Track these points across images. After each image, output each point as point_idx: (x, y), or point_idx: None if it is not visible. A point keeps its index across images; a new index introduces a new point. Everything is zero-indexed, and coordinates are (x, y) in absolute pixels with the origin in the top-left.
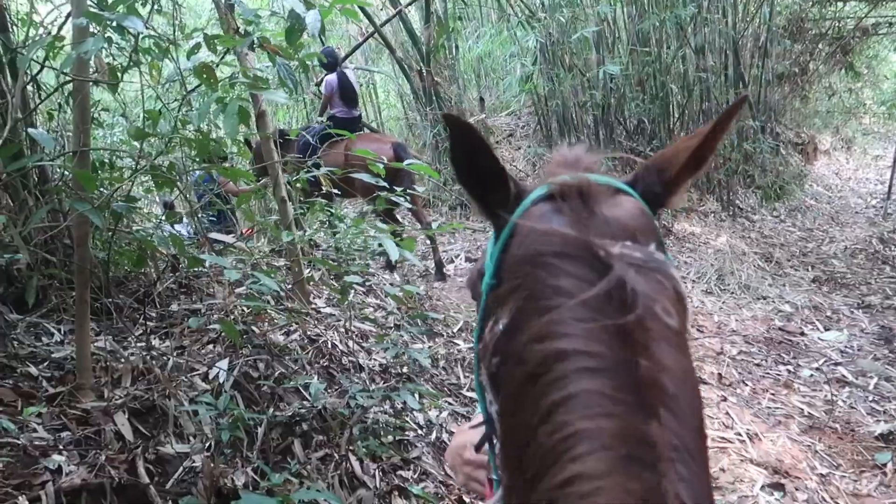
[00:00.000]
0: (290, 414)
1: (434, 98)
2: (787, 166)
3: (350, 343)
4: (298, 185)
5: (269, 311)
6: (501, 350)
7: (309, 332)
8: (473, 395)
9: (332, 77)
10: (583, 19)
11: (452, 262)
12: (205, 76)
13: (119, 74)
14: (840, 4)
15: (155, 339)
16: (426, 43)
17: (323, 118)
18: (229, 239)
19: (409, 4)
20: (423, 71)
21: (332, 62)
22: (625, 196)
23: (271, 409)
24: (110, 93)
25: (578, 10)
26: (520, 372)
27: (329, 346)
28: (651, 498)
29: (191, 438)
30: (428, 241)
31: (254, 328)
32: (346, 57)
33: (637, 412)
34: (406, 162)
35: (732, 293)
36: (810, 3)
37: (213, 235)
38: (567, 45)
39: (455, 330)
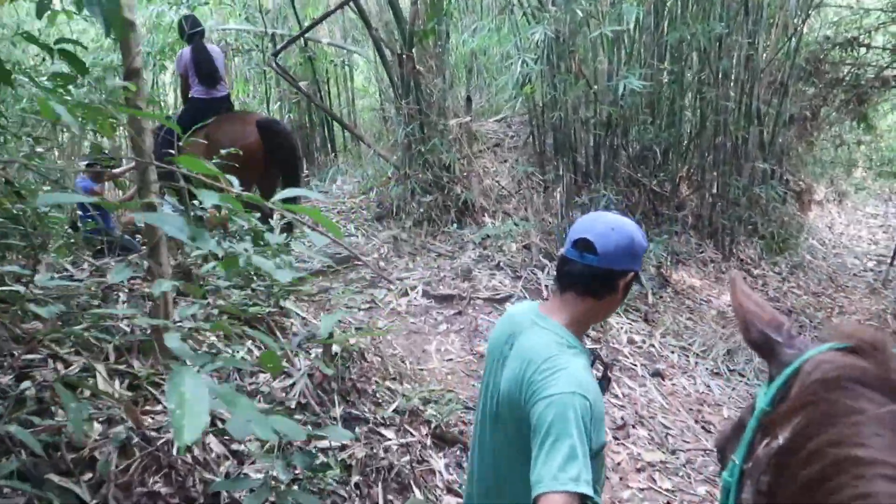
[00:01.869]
0: None
1: (413, 89)
2: (792, 216)
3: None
4: None
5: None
6: (777, 463)
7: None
8: None
9: (185, 51)
10: (599, 19)
11: (406, 294)
12: None
13: None
14: (863, 50)
15: None
16: (410, 23)
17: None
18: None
19: None
20: (404, 56)
21: (190, 33)
22: None
23: None
24: None
25: (595, 8)
26: (806, 474)
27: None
28: None
29: None
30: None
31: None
32: (311, 26)
33: None
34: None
35: (744, 376)
36: (832, 45)
37: None
38: (577, 47)
39: (388, 412)
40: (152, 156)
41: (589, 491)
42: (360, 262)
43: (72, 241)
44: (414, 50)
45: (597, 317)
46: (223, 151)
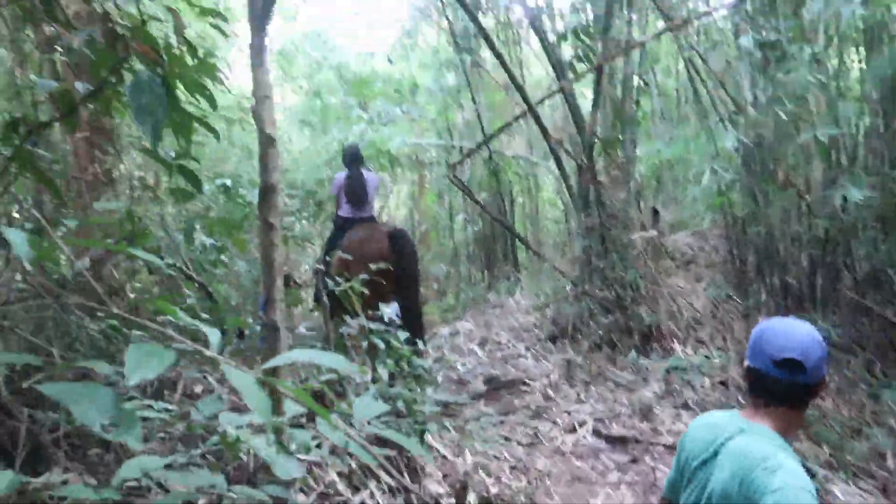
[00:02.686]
0: None
1: (593, 202)
2: None
3: None
4: None
5: None
6: None
7: None
8: None
9: (340, 175)
10: (810, 122)
11: (574, 431)
12: None
13: None
14: None
15: None
16: (588, 132)
17: None
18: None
19: (576, 81)
20: (583, 166)
21: (346, 159)
22: None
23: None
24: None
25: (804, 109)
26: None
27: None
28: None
29: None
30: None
31: None
32: (491, 137)
33: None
34: None
35: None
36: None
37: None
38: (783, 153)
39: None
40: (283, 269)
41: None
42: (525, 388)
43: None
44: (598, 159)
45: (800, 421)
46: (372, 266)
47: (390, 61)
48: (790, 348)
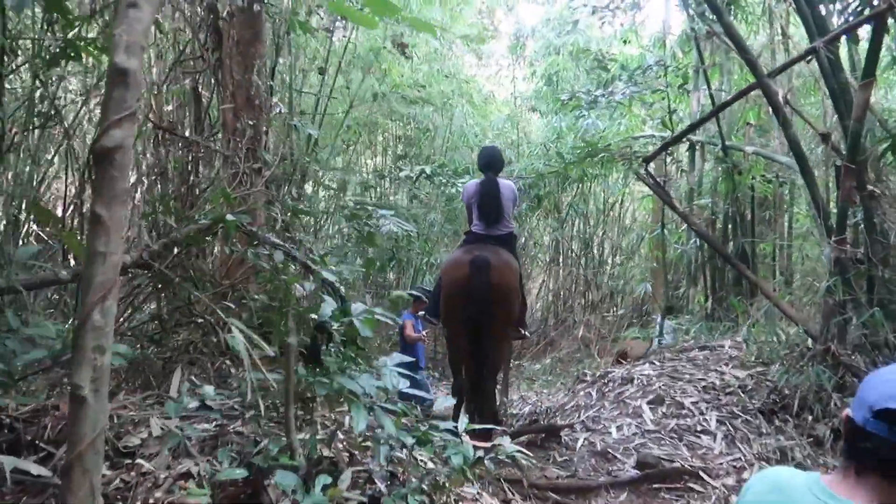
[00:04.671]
0: None
1: (861, 219)
2: None
3: None
4: None
5: None
6: None
7: None
8: None
9: (471, 183)
10: None
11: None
12: None
13: None
14: None
15: None
16: (856, 119)
17: None
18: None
19: (832, 39)
20: (842, 167)
21: (481, 163)
22: None
23: None
24: None
25: None
26: None
27: None
28: None
29: None
30: None
31: None
32: (686, 132)
33: None
34: None
35: None
36: None
37: None
38: None
39: None
40: None
41: None
42: (697, 487)
43: None
44: (872, 162)
45: None
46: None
47: (625, 41)
48: (892, 396)
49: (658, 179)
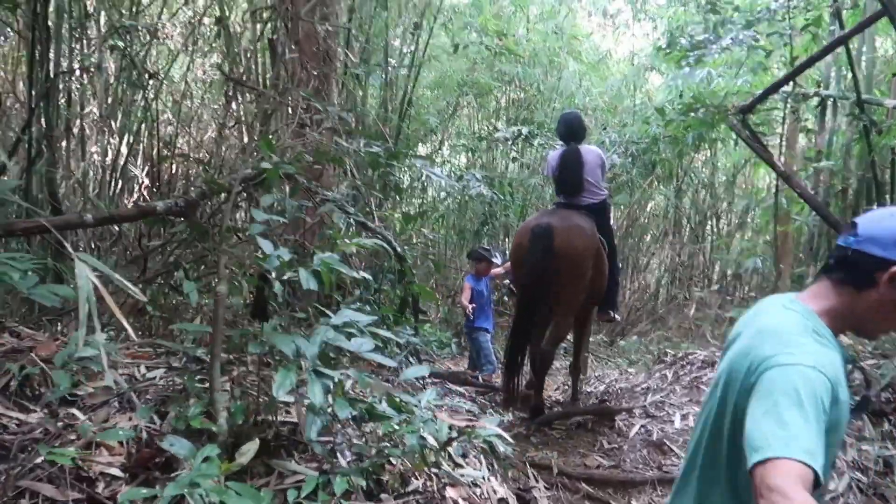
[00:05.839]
0: None
1: None
2: None
3: None
4: None
5: None
6: None
7: None
8: None
9: (553, 154)
10: None
11: None
12: None
13: None
14: None
15: None
16: None
17: None
18: None
19: None
20: None
21: (560, 131)
22: None
23: None
24: None
25: None
26: None
27: None
28: None
29: None
30: None
31: None
32: (780, 84)
33: None
34: None
35: None
36: None
37: None
38: None
39: None
40: None
41: (821, 474)
42: None
43: None
44: None
45: (856, 314)
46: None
47: None
48: (871, 213)
49: (752, 132)
